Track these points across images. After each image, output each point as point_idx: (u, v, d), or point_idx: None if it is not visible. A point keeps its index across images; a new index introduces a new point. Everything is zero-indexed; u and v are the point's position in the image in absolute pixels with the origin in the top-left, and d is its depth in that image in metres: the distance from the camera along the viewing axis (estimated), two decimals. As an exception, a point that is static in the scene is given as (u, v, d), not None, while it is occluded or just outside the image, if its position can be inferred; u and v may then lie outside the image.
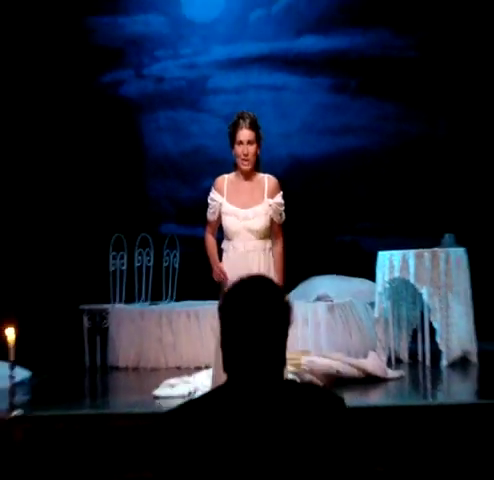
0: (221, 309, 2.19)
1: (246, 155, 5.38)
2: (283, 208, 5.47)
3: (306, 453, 2.09)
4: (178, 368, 7.47)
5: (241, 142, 5.39)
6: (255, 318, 2.14)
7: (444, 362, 6.96)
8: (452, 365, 6.95)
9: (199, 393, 6.03)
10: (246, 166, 5.41)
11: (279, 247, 5.47)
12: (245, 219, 5.37)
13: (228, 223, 5.40)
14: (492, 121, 9.10)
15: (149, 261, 8.50)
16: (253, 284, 2.20)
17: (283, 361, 2.19)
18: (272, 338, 2.15)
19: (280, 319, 2.17)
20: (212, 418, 2.13)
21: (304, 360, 6.36)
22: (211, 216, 5.51)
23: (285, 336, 2.19)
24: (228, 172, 5.57)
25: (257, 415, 2.12)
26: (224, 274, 5.26)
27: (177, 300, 8.63)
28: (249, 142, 5.40)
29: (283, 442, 2.09)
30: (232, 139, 5.44)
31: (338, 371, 6.34)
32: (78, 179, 9.32)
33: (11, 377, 5.40)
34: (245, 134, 5.40)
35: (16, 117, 8.87)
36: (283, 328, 2.17)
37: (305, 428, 2.11)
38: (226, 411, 2.13)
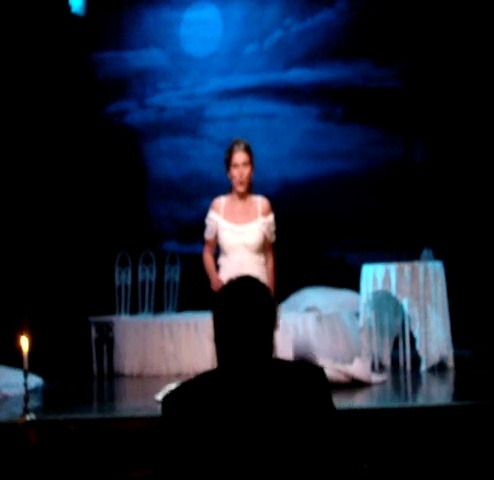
0: (214, 306, 2.24)
1: (241, 176, 5.42)
2: (274, 228, 5.52)
3: (292, 418, 2.14)
4: (179, 375, 7.47)
5: (236, 165, 5.44)
6: (244, 312, 2.21)
7: (423, 367, 6.97)
8: (431, 370, 6.97)
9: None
10: (241, 188, 5.45)
11: (271, 263, 5.52)
12: (241, 234, 5.42)
13: (225, 238, 5.44)
14: (467, 145, 9.15)
15: (152, 276, 8.52)
16: (242, 283, 2.28)
17: (270, 347, 2.24)
18: (259, 328, 2.21)
19: (266, 312, 2.23)
20: (207, 395, 2.17)
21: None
22: (209, 235, 5.55)
23: (272, 326, 2.25)
24: (224, 194, 5.61)
25: (247, 392, 2.16)
26: (221, 284, 5.30)
27: (178, 312, 8.63)
28: (244, 164, 5.44)
29: (272, 410, 2.14)
30: (228, 163, 5.49)
31: (326, 376, 6.35)
32: (87, 201, 9.36)
33: (25, 384, 5.42)
34: (240, 157, 5.44)
35: (29, 145, 8.91)
36: (269, 319, 2.24)
37: (290, 398, 2.17)
38: (220, 388, 2.17)
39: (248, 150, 5.50)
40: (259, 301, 2.22)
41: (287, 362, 2.29)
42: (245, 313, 2.20)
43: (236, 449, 2.10)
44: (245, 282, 2.27)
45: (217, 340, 2.25)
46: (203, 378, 2.24)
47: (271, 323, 2.25)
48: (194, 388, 2.20)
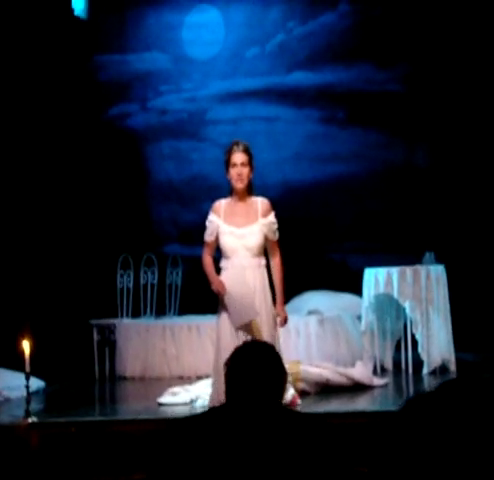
0: (228, 367, 2.34)
1: (240, 175, 5.42)
2: (276, 226, 5.53)
3: (291, 468, 2.20)
4: (181, 378, 7.47)
5: (235, 164, 5.44)
6: (256, 377, 2.29)
7: (425, 370, 6.98)
8: (432, 373, 6.97)
9: (200, 400, 6.06)
10: (240, 184, 5.44)
11: (277, 261, 5.54)
12: (242, 237, 5.42)
13: (226, 242, 5.45)
14: (469, 149, 9.16)
15: (154, 279, 8.53)
16: (255, 348, 2.37)
17: (279, 403, 2.33)
18: (270, 390, 2.30)
19: (277, 378, 2.33)
20: (210, 433, 2.22)
21: (300, 370, 6.38)
22: (209, 237, 5.56)
23: (281, 389, 2.34)
24: (225, 197, 5.62)
25: (251, 436, 2.22)
26: (222, 286, 5.32)
27: (180, 314, 8.63)
28: (242, 164, 5.44)
29: (271, 458, 2.19)
30: (227, 163, 5.49)
31: (328, 379, 6.36)
32: (89, 204, 9.37)
33: (27, 387, 5.43)
34: (239, 157, 5.44)
35: (31, 147, 8.93)
36: (279, 384, 2.34)
37: (293, 449, 2.22)
38: (223, 429, 2.22)
39: (247, 151, 5.50)
40: (271, 369, 2.32)
41: (297, 413, 2.39)
42: (257, 381, 2.29)
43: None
44: (257, 349, 2.36)
45: (228, 398, 2.33)
46: (210, 414, 2.31)
47: (281, 387, 2.34)
48: (200, 422, 2.28)
